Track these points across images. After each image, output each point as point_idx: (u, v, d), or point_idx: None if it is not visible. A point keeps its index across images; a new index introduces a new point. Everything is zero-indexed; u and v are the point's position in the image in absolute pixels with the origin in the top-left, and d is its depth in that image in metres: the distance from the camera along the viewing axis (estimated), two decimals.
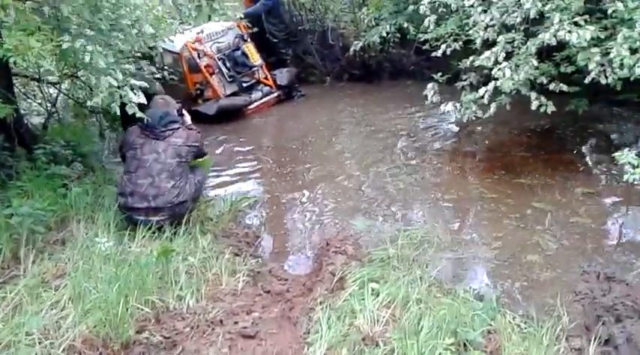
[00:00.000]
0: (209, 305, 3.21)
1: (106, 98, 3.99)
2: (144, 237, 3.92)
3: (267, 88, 7.98)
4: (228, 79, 7.68)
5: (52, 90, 6.92)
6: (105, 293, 2.88)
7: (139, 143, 4.30)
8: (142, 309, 2.99)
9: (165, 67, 6.96)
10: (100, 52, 3.90)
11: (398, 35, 7.76)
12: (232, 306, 3.25)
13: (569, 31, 4.58)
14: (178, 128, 4.42)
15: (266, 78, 8.01)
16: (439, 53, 5.66)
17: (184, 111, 4.95)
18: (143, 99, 4.14)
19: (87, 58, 3.82)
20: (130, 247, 3.69)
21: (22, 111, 6.53)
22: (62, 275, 3.29)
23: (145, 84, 4.38)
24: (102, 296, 2.88)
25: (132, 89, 4.11)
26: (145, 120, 4.28)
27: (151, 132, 4.31)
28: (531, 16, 4.92)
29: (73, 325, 2.76)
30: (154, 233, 3.98)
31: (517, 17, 5.02)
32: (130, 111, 4.08)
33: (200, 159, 4.81)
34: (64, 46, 3.85)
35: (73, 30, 3.98)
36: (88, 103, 4.48)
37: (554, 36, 4.66)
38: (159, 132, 4.31)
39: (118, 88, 3.98)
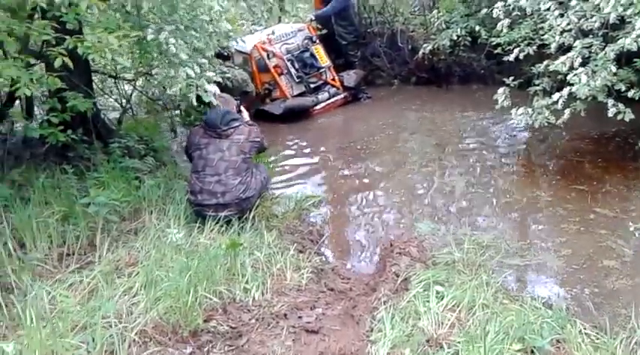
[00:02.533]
0: (274, 299, 3.26)
1: (183, 88, 4.19)
2: (212, 230, 4.02)
3: (334, 89, 8.03)
4: (296, 80, 7.78)
5: (127, 86, 7.21)
6: (175, 282, 2.97)
7: (203, 143, 4.43)
8: (211, 299, 3.07)
9: (236, 67, 7.12)
10: (181, 45, 4.10)
11: (469, 39, 7.66)
12: (296, 301, 3.28)
13: None
14: (239, 125, 4.52)
15: (333, 79, 8.06)
16: (511, 57, 5.54)
17: (242, 108, 5.05)
18: (217, 90, 4.33)
19: (172, 49, 4.02)
20: (199, 239, 3.79)
21: (99, 107, 6.85)
22: (135, 263, 3.41)
23: (220, 79, 4.56)
24: (172, 285, 2.97)
25: (208, 82, 4.33)
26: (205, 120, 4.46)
27: (214, 131, 4.43)
28: (611, 21, 4.76)
29: (145, 311, 2.86)
30: (222, 227, 4.08)
31: (595, 22, 4.87)
32: (205, 100, 4.30)
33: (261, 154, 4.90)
34: (149, 37, 4.07)
35: (153, 26, 4.17)
36: (168, 92, 4.67)
37: (636, 41, 4.50)
38: (221, 131, 4.42)
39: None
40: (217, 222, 4.07)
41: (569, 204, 4.72)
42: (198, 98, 4.38)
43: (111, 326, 2.69)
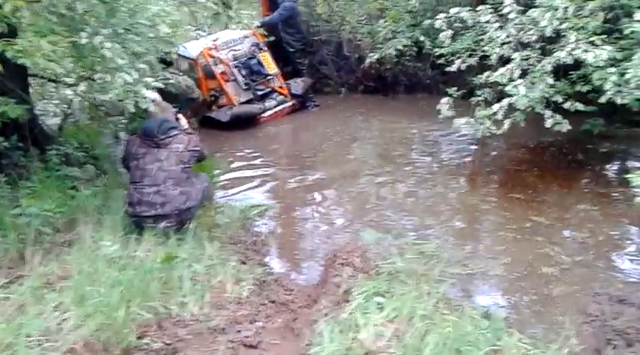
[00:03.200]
0: (212, 313, 3.18)
1: (120, 94, 4.05)
2: (151, 242, 3.90)
3: (282, 97, 8.00)
4: (243, 87, 7.72)
5: (68, 91, 6.96)
6: (107, 297, 2.87)
7: (141, 153, 4.29)
8: (144, 315, 2.97)
9: (181, 73, 6.99)
10: (117, 49, 3.96)
11: (414, 48, 7.77)
12: (236, 315, 3.21)
13: (586, 51, 4.56)
14: (178, 134, 4.39)
15: (281, 87, 8.03)
16: (454, 68, 5.64)
17: (180, 115, 4.94)
18: (157, 96, 4.20)
19: (107, 54, 3.88)
20: (136, 252, 3.67)
21: (37, 112, 6.59)
22: (67, 277, 3.27)
23: (160, 84, 4.43)
24: (104, 300, 2.86)
25: (147, 88, 4.19)
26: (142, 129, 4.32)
27: (151, 140, 4.29)
28: (547, 35, 4.90)
29: (75, 328, 2.74)
30: (161, 238, 3.97)
31: (533, 35, 5.00)
32: (142, 106, 4.14)
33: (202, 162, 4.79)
34: (83, 41, 3.91)
35: (89, 29, 4.03)
36: (102, 98, 4.50)
37: (571, 54, 4.64)
38: (159, 140, 4.28)
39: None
40: (156, 234, 3.95)
41: (508, 212, 4.84)
42: (137, 105, 4.23)
43: (37, 345, 2.56)
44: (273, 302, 3.52)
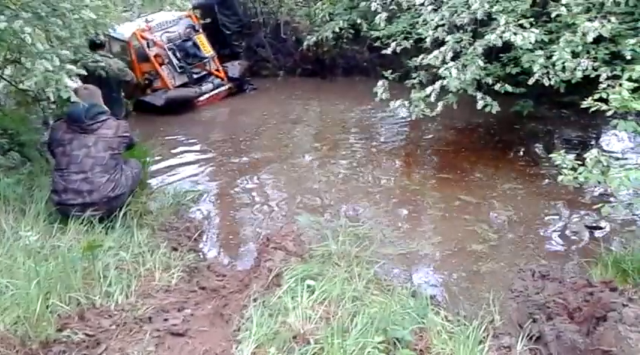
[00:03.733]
0: (139, 302, 3.09)
1: (40, 82, 3.86)
2: (77, 231, 3.78)
3: (218, 80, 7.87)
4: (178, 70, 7.55)
5: None
6: (24, 290, 2.75)
7: (67, 138, 4.13)
8: (64, 307, 2.87)
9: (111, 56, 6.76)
10: (38, 35, 3.77)
11: (352, 31, 7.76)
12: (163, 303, 3.14)
13: (515, 33, 4.66)
14: (107, 119, 4.25)
15: (217, 70, 7.90)
16: (389, 51, 5.66)
17: None
18: (79, 84, 4.03)
19: (28, 39, 3.69)
20: (60, 241, 3.53)
21: None
22: None
23: (82, 71, 4.25)
24: (21, 293, 2.74)
25: (69, 76, 3.99)
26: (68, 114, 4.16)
27: (78, 126, 4.14)
28: (479, 17, 4.97)
29: None
30: (87, 226, 3.85)
31: (465, 18, 5.06)
32: (64, 96, 3.95)
33: (132, 150, 4.65)
34: (1, 25, 3.70)
35: (8, 12, 3.83)
36: (21, 86, 4.29)
37: (500, 37, 4.72)
38: (86, 125, 4.14)
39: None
40: (82, 222, 3.83)
41: (438, 193, 4.98)
42: (58, 94, 4.03)
43: None
44: (203, 288, 3.47)
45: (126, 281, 3.23)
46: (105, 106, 4.49)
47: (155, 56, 7.40)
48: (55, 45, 4.20)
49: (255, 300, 3.14)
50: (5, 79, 6.69)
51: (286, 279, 3.32)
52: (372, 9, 5.71)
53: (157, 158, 5.70)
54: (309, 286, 3.21)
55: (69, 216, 3.88)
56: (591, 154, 3.45)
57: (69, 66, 4.04)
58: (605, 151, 5.53)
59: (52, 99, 4.08)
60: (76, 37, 4.59)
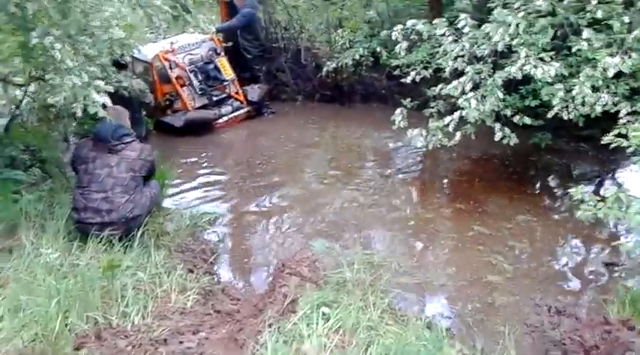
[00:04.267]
0: (155, 323, 3.12)
1: (69, 97, 3.95)
2: (95, 249, 3.82)
3: (238, 103, 7.93)
4: (199, 92, 7.63)
5: (18, 91, 6.78)
6: (44, 307, 2.78)
7: (91, 157, 4.21)
8: (83, 325, 2.89)
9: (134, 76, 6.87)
10: (67, 51, 3.87)
11: (371, 59, 7.81)
12: (179, 325, 3.16)
13: (535, 66, 4.67)
14: (132, 141, 4.32)
15: (237, 93, 7.97)
16: (408, 79, 5.70)
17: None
18: (107, 101, 4.10)
19: (57, 55, 3.78)
20: (79, 259, 3.58)
21: None
22: (4, 285, 3.17)
23: (110, 88, 4.33)
24: (40, 310, 2.78)
25: (97, 91, 4.08)
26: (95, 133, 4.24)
27: (103, 145, 4.22)
28: (499, 49, 5.00)
29: (8, 339, 2.66)
30: (106, 245, 3.89)
31: (486, 49, 5.09)
32: (92, 111, 4.04)
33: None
34: (33, 41, 3.80)
35: (39, 30, 3.93)
36: (50, 101, 4.37)
37: (521, 70, 4.74)
38: (112, 145, 4.21)
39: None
40: (101, 241, 3.87)
41: (452, 223, 4.98)
42: (85, 109, 4.13)
43: None
44: (218, 312, 3.49)
45: (142, 302, 3.26)
46: (130, 128, 4.56)
47: (177, 78, 7.50)
48: (83, 62, 4.30)
49: (270, 326, 3.16)
50: (29, 96, 6.85)
51: (301, 306, 3.33)
52: (393, 38, 5.75)
53: (174, 179, 5.75)
54: (324, 313, 3.23)
55: (88, 235, 3.93)
56: (611, 191, 3.44)
57: (97, 82, 4.13)
58: (621, 187, 5.55)
59: (79, 114, 4.15)
60: (103, 55, 4.70)
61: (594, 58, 4.57)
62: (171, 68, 7.51)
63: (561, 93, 4.70)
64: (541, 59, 4.73)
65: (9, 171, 4.77)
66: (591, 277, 4.17)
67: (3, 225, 3.94)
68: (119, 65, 6.10)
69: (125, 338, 2.95)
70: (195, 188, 5.81)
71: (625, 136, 3.76)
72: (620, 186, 5.56)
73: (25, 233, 3.79)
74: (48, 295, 2.87)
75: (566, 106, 4.72)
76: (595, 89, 4.56)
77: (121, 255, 3.76)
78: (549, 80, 4.70)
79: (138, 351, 2.86)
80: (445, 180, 5.91)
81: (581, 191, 3.61)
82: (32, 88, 6.63)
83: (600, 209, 3.39)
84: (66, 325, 2.79)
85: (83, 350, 2.76)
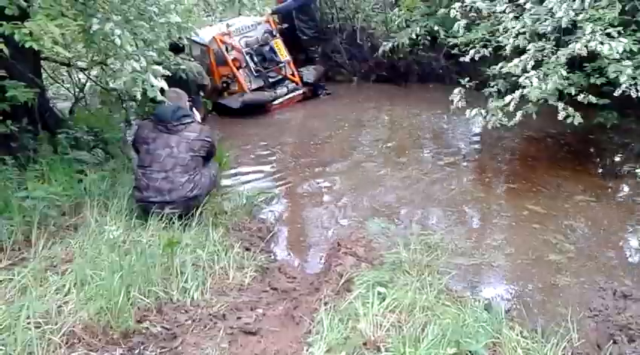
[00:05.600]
0: (213, 299, 3.18)
1: (128, 81, 4.05)
2: (156, 227, 3.91)
3: (293, 84, 7.96)
4: (255, 74, 7.70)
5: (81, 75, 7.00)
6: (108, 282, 2.88)
7: (151, 137, 4.30)
8: (145, 300, 2.98)
9: (192, 59, 6.98)
10: (127, 37, 3.96)
11: (428, 38, 7.68)
12: (237, 301, 3.22)
13: (602, 43, 4.48)
14: (191, 122, 4.40)
15: (293, 74, 8.00)
16: (467, 58, 5.57)
17: (195, 110, 4.94)
18: (164, 85, 4.18)
19: (117, 41, 3.88)
20: (139, 236, 3.68)
21: (50, 95, 6.63)
22: (70, 260, 3.29)
23: (167, 72, 4.42)
24: (105, 284, 2.87)
25: (155, 76, 4.17)
26: (156, 114, 4.34)
27: (164, 126, 4.30)
28: (563, 26, 4.81)
29: (75, 311, 2.76)
30: (166, 223, 3.98)
31: (549, 26, 4.91)
32: (150, 95, 4.13)
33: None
34: (94, 27, 3.91)
35: (100, 15, 4.03)
36: (111, 85, 4.50)
37: (586, 46, 4.56)
38: (172, 126, 4.29)
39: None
40: (161, 219, 3.97)
41: (513, 203, 4.86)
42: (144, 93, 4.23)
43: (33, 327, 2.58)
44: (275, 289, 3.53)
45: (201, 279, 3.33)
46: (189, 110, 4.64)
47: (233, 60, 7.58)
48: (141, 47, 4.39)
49: (325, 304, 3.17)
50: (92, 80, 7.06)
51: (357, 285, 3.33)
52: (451, 16, 5.62)
53: (232, 159, 5.82)
54: (379, 293, 3.20)
55: (149, 213, 4.03)
56: None
57: (155, 66, 4.22)
58: None
59: (139, 98, 4.26)
60: (161, 39, 4.79)
61: None
62: (227, 51, 7.60)
63: (629, 71, 4.49)
64: (608, 35, 4.53)
65: (74, 151, 4.93)
66: None
67: (69, 203, 4.08)
68: (177, 48, 6.20)
69: (185, 313, 3.02)
70: (252, 168, 5.88)
71: None
72: None
73: (90, 211, 3.91)
74: (111, 270, 2.96)
75: (635, 84, 4.51)
76: None
77: (180, 233, 3.83)
78: (617, 56, 4.50)
79: (197, 325, 2.92)
80: (502, 160, 5.78)
81: None
82: (95, 71, 6.85)
83: None
84: (128, 299, 2.87)
85: (145, 322, 2.84)
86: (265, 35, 7.92)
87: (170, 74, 4.58)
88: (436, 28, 7.24)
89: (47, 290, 2.95)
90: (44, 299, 2.86)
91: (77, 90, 6.84)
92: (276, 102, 7.69)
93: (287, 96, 7.83)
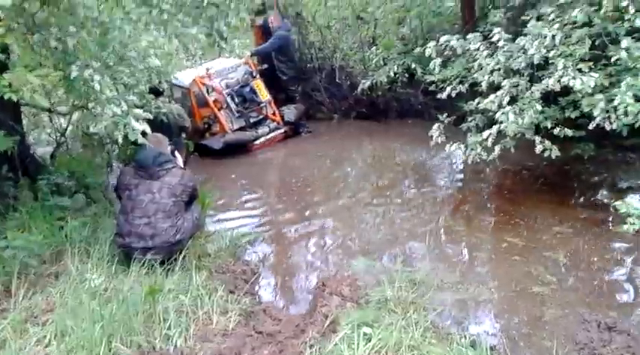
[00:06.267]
0: (197, 346, 3.15)
1: (109, 126, 4.06)
2: (139, 273, 3.88)
3: (275, 123, 8.02)
4: (236, 114, 7.75)
5: (62, 120, 6.99)
6: (89, 332, 2.84)
7: (133, 183, 4.30)
8: (126, 350, 2.93)
9: (172, 102, 7.03)
10: (106, 82, 3.98)
11: (406, 75, 7.78)
12: (221, 347, 3.18)
13: (574, 77, 4.59)
14: (172, 167, 4.41)
15: (274, 114, 8.06)
16: (444, 95, 5.67)
17: (177, 153, 4.95)
18: (147, 128, 4.20)
19: (97, 87, 3.90)
20: (123, 283, 3.64)
21: (31, 141, 6.61)
22: (52, 310, 3.25)
23: (149, 115, 4.43)
24: (85, 335, 2.83)
25: (136, 119, 4.18)
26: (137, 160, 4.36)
27: (145, 172, 4.31)
28: (535, 62, 4.94)
29: None
30: (149, 269, 3.95)
31: (522, 62, 5.03)
32: (132, 138, 4.14)
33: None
34: (73, 74, 3.93)
35: (79, 62, 4.05)
36: (91, 130, 4.51)
37: (559, 82, 4.67)
38: (153, 172, 4.30)
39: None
40: (144, 265, 3.94)
41: (493, 236, 4.91)
42: (126, 137, 4.24)
43: None
44: (259, 333, 3.49)
45: (185, 325, 3.30)
46: (171, 155, 4.65)
47: (214, 101, 7.64)
48: (122, 91, 4.42)
49: (311, 347, 3.15)
50: (74, 124, 7.06)
51: (342, 326, 3.31)
52: (427, 54, 5.73)
53: (214, 201, 5.81)
54: (365, 334, 3.20)
55: (131, 259, 4.00)
56: None
57: (136, 110, 4.24)
58: None
59: (120, 142, 4.26)
60: (142, 84, 4.83)
61: (635, 67, 4.47)
62: (208, 92, 7.65)
63: (602, 104, 4.58)
64: (579, 70, 4.65)
65: (55, 197, 4.91)
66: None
67: (50, 251, 4.04)
68: (156, 92, 6.25)
69: None
70: (235, 209, 5.88)
71: None
72: None
73: (71, 258, 3.88)
74: (92, 320, 2.93)
75: (609, 117, 4.61)
76: (638, 99, 4.45)
77: (163, 279, 3.81)
78: (589, 91, 4.61)
79: None
80: (482, 194, 5.81)
81: (628, 203, 3.50)
82: (76, 116, 6.85)
83: None
84: (110, 349, 2.83)
85: None
86: (245, 76, 8.00)
87: (151, 118, 4.60)
88: (413, 65, 7.35)
89: (27, 341, 2.91)
90: (24, 351, 2.81)
91: (58, 135, 6.82)
92: (257, 141, 7.72)
93: (269, 136, 7.87)
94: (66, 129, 6.92)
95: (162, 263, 4.02)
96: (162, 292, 3.44)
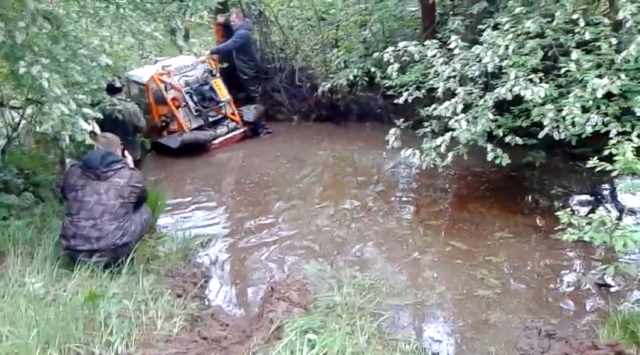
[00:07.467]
0: (138, 352, 3.09)
1: (56, 125, 3.95)
2: (82, 277, 3.80)
3: (233, 123, 7.97)
4: (195, 113, 7.67)
5: (15, 114, 6.81)
6: (23, 339, 2.77)
7: (79, 184, 4.20)
8: None
9: (129, 99, 6.92)
10: (55, 79, 3.88)
11: (366, 79, 7.83)
12: (163, 354, 3.14)
13: (525, 88, 4.68)
14: (121, 168, 4.31)
15: (233, 113, 8.01)
16: (401, 100, 5.72)
17: (127, 153, 4.87)
18: (96, 128, 4.10)
19: (45, 84, 3.79)
20: (64, 287, 3.56)
21: None
22: None
23: (99, 115, 4.33)
24: (20, 343, 2.76)
25: (86, 119, 4.08)
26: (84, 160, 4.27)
27: (92, 172, 4.21)
28: (490, 71, 5.02)
29: None
30: (94, 272, 3.87)
31: (477, 71, 5.11)
32: (79, 139, 4.03)
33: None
34: (21, 71, 3.82)
35: (28, 58, 3.95)
36: (38, 129, 4.38)
37: (510, 91, 4.76)
38: (100, 172, 4.20)
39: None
40: (89, 268, 3.86)
41: (439, 240, 4.99)
42: (72, 137, 4.11)
43: None
44: (204, 338, 3.45)
45: (127, 330, 3.23)
46: (120, 155, 4.57)
47: (172, 99, 7.54)
48: (72, 90, 4.31)
49: (254, 354, 3.13)
50: (27, 119, 6.88)
51: (287, 332, 3.30)
52: (385, 59, 5.77)
53: (168, 201, 5.74)
54: (310, 340, 3.19)
55: (76, 262, 3.92)
56: (597, 214, 3.42)
57: (85, 110, 4.13)
58: (618, 204, 5.53)
59: (68, 141, 4.15)
60: (94, 81, 4.73)
61: (583, 79, 4.58)
62: (166, 90, 7.55)
63: (552, 114, 4.70)
64: (530, 80, 4.75)
65: (2, 195, 4.77)
66: (581, 297, 4.13)
67: None
68: (113, 89, 6.14)
69: None
70: (188, 210, 5.81)
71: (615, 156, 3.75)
72: (615, 202, 5.57)
73: (13, 260, 3.78)
74: (28, 326, 2.86)
75: (557, 126, 4.72)
76: (585, 110, 4.57)
77: (108, 282, 3.74)
78: (539, 101, 4.71)
79: None
80: (432, 199, 5.90)
81: (569, 213, 3.58)
82: (29, 110, 6.68)
83: (586, 232, 3.37)
84: None
85: None
86: (205, 74, 7.92)
87: (103, 117, 4.50)
88: (373, 69, 7.39)
89: None
90: None
91: (10, 129, 6.64)
92: (216, 141, 7.66)
93: (227, 136, 7.81)
94: (18, 124, 6.74)
95: (107, 266, 3.94)
96: (105, 296, 3.37)
